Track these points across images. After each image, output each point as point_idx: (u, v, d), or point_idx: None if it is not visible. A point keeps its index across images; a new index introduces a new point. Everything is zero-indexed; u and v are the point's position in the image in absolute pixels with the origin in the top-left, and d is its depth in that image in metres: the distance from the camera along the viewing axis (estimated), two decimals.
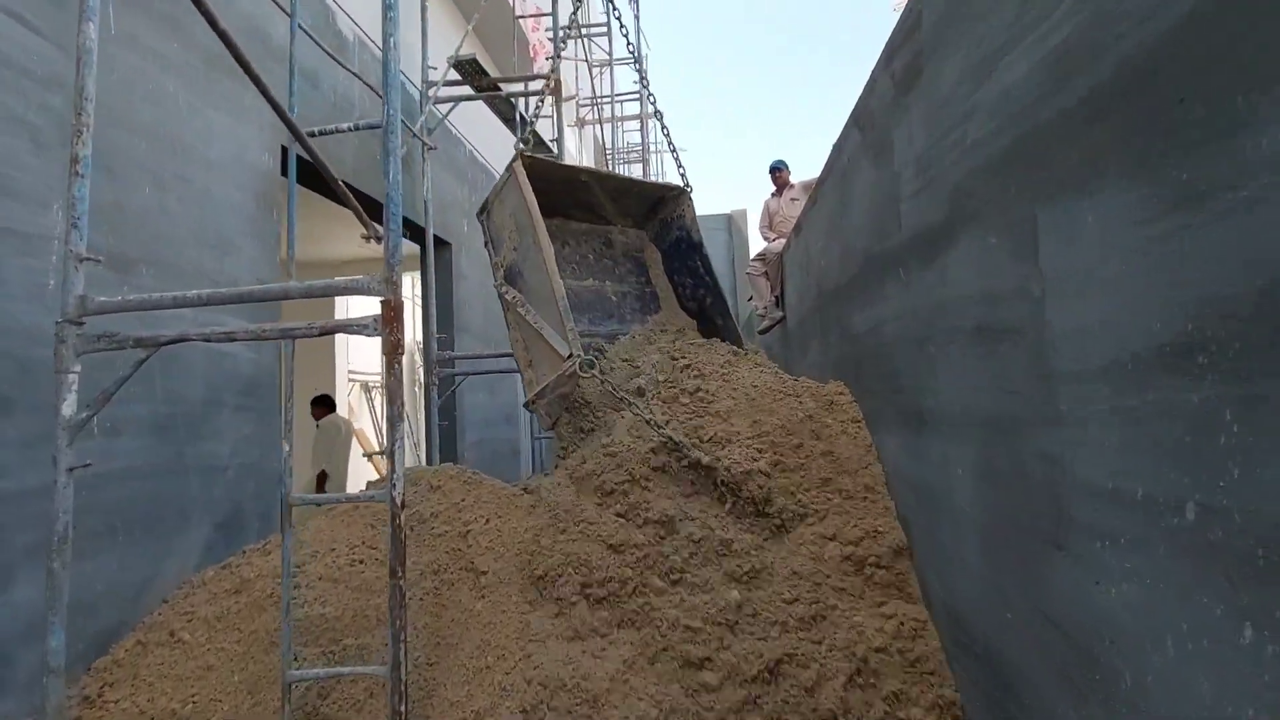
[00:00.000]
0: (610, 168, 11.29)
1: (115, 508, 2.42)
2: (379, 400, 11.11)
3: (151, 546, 2.55)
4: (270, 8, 3.44)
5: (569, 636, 2.11)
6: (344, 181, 2.33)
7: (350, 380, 10.89)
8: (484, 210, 3.65)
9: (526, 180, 3.21)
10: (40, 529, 2.06)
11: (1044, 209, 1.32)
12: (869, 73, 2.56)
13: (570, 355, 2.85)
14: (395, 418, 1.89)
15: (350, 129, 2.17)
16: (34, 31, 2.24)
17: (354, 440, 8.05)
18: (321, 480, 5.35)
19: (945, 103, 1.78)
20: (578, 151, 12.18)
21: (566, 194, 3.87)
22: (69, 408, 1.99)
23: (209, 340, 1.98)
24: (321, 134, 2.28)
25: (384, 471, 7.66)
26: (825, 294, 3.69)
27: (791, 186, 6.02)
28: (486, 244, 3.65)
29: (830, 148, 3.34)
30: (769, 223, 6.15)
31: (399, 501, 1.86)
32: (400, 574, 1.85)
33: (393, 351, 1.90)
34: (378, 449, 9.87)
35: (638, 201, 4.26)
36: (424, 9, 5.09)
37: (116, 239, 2.48)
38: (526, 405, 3.26)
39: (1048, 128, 1.29)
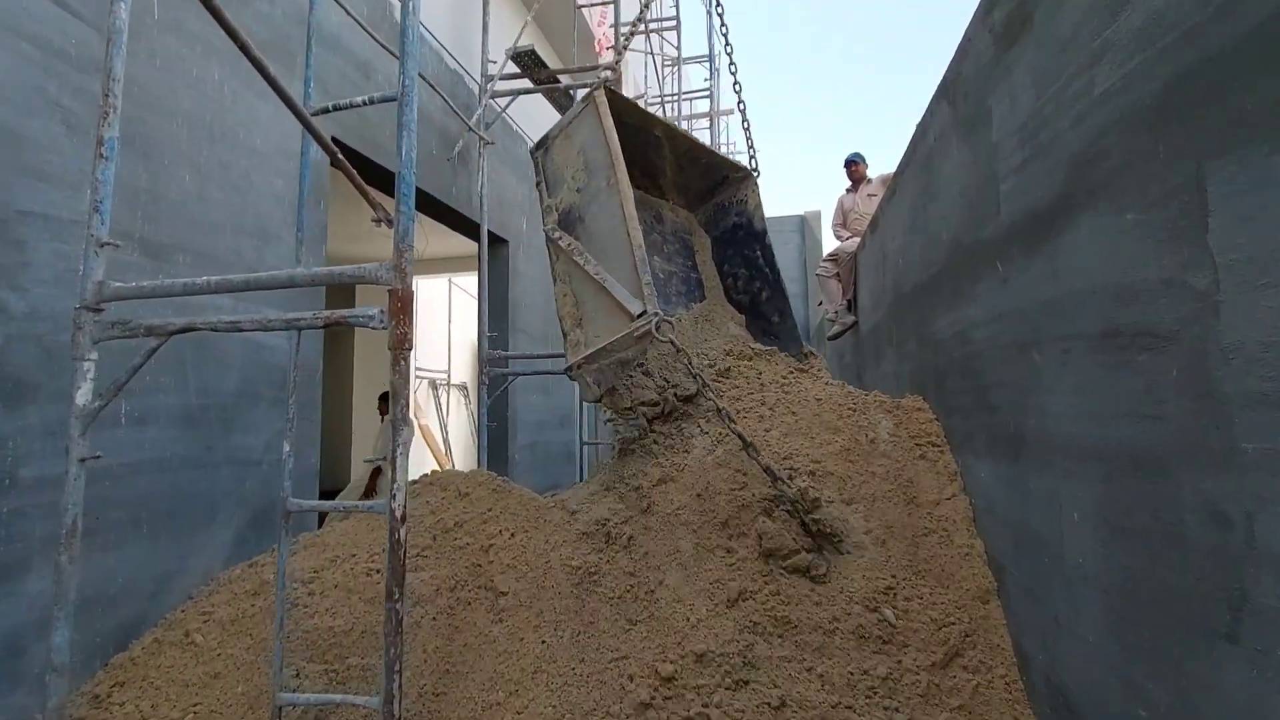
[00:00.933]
0: None
1: (141, 500, 2.36)
2: (446, 398, 11.31)
3: (177, 541, 2.49)
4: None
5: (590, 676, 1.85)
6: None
7: (418, 377, 11.13)
8: (542, 146, 3.20)
9: (609, 113, 2.76)
10: (59, 518, 2.00)
11: (1217, 169, 0.95)
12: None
13: (643, 313, 2.40)
14: (400, 420, 1.69)
15: (364, 102, 2.01)
16: (72, 14, 2.21)
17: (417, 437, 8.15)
18: (376, 475, 5.35)
19: (1064, 48, 1.41)
20: None
21: (630, 149, 3.22)
22: (83, 396, 1.91)
23: (215, 329, 1.86)
24: (335, 109, 2.14)
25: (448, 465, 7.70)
26: (902, 295, 3.28)
27: (869, 182, 5.56)
28: (539, 183, 3.20)
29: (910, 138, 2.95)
30: (843, 220, 5.72)
31: (399, 514, 1.66)
32: (398, 596, 1.65)
33: (399, 345, 1.71)
34: (443, 448, 10.00)
35: (702, 175, 3.92)
36: (484, 3, 5.00)
37: (152, 226, 2.44)
38: (568, 371, 2.75)
39: (1227, 55, 0.92)
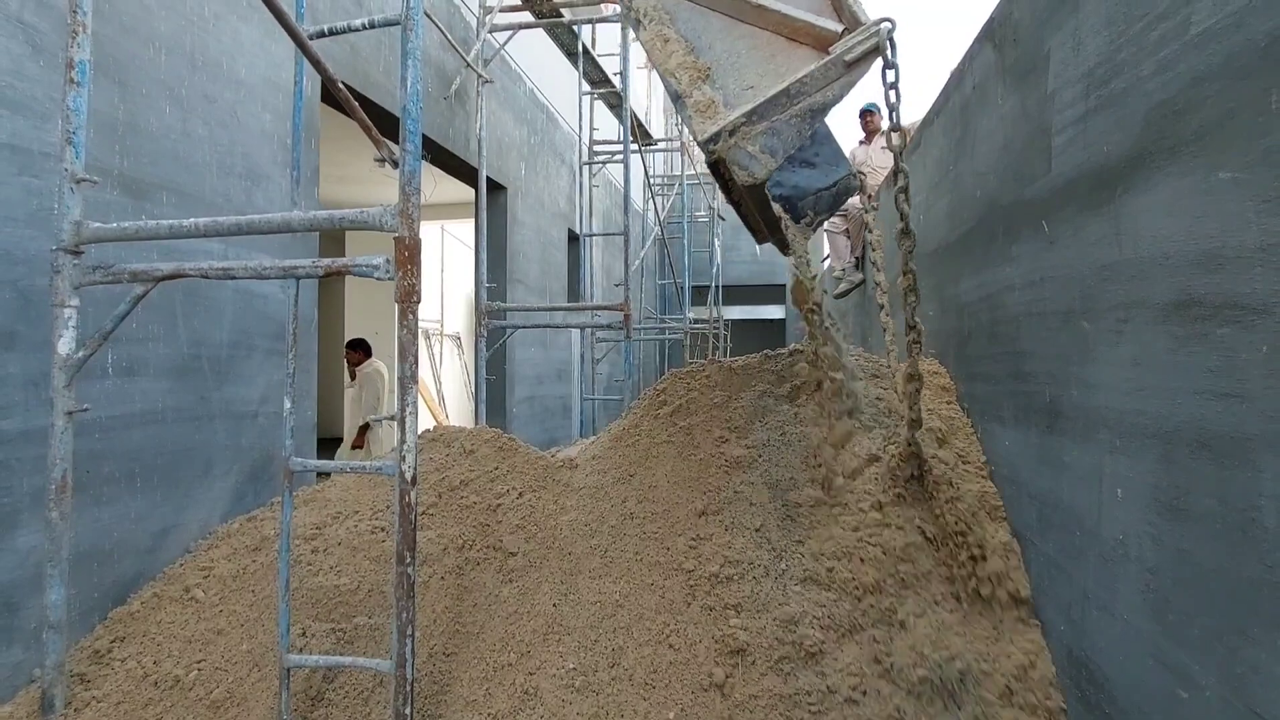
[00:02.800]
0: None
1: (133, 454, 2.27)
2: (439, 348, 11.16)
3: (172, 494, 2.41)
4: None
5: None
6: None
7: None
8: None
9: None
10: (47, 472, 1.91)
11: None
12: None
13: (847, 31, 1.77)
14: (407, 378, 1.59)
15: (363, 26, 1.83)
16: None
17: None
18: (364, 432, 5.26)
19: None
20: (647, 96, 11.55)
21: None
22: (65, 345, 1.79)
23: (206, 277, 1.73)
24: (331, 33, 1.94)
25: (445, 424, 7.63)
26: (922, 256, 3.16)
27: (882, 134, 5.35)
28: None
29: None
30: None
31: (409, 477, 1.58)
32: (409, 560, 1.58)
33: (407, 298, 1.59)
34: (436, 400, 9.91)
35: None
36: None
37: (130, 162, 2.26)
38: (709, 144, 1.83)
39: None
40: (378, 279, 1.57)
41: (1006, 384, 2.05)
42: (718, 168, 2.54)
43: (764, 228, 2.77)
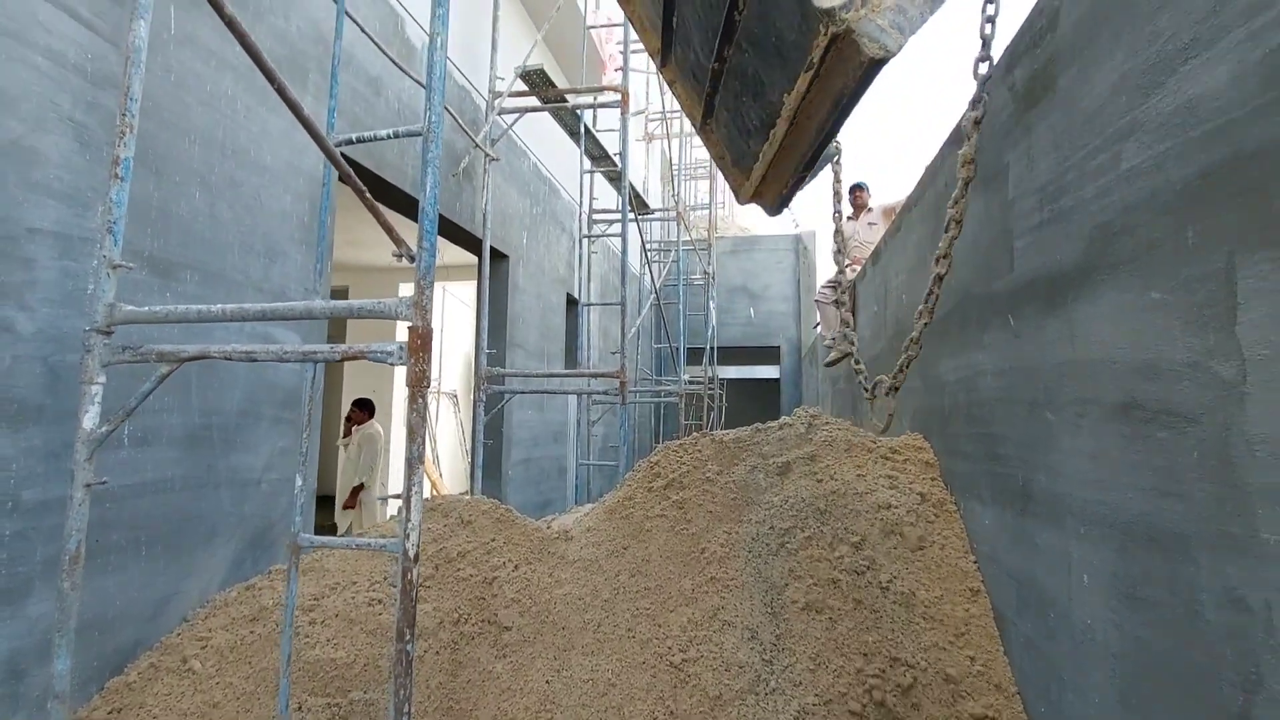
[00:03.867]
0: (677, 184, 11.10)
1: (140, 522, 2.32)
2: (435, 406, 11.22)
3: (175, 563, 2.45)
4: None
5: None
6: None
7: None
8: None
9: None
10: (61, 542, 1.96)
11: (1250, 260, 0.98)
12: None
13: None
14: (414, 459, 1.68)
15: (389, 136, 2.01)
16: (87, 27, 2.19)
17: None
18: (357, 493, 5.29)
19: (1090, 119, 1.44)
20: (645, 166, 12.05)
21: None
22: (90, 420, 1.88)
23: (230, 359, 1.84)
24: (359, 141, 2.13)
25: (443, 489, 7.61)
26: (905, 333, 3.31)
27: (870, 210, 5.63)
28: None
29: (923, 172, 2.99)
30: (842, 247, 5.77)
31: (412, 554, 1.65)
32: (409, 637, 1.63)
33: (417, 383, 1.70)
34: (431, 458, 9.89)
35: None
36: (495, 18, 5.02)
37: (161, 244, 2.42)
38: (838, 13, 1.49)
39: (1264, 152, 0.95)
40: (391, 364, 1.68)
41: (984, 464, 2.15)
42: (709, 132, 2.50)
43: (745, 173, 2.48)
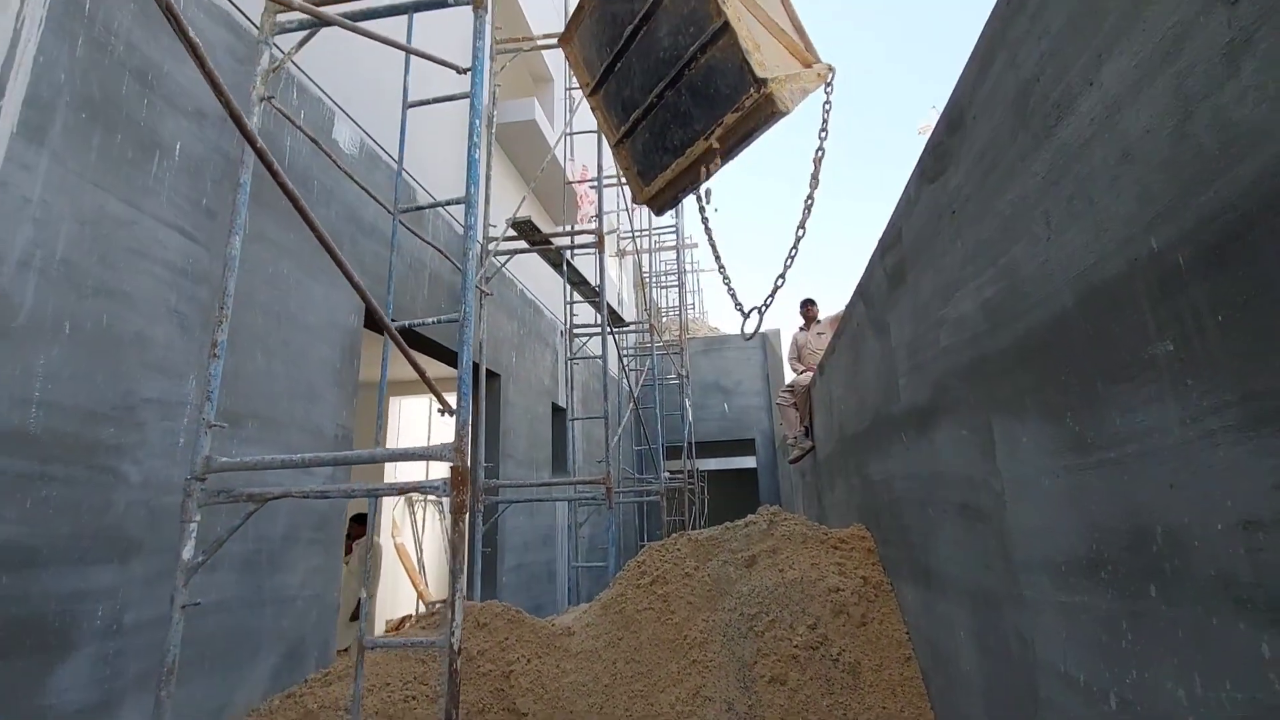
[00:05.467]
0: (648, 293, 12.07)
1: (204, 639, 2.72)
2: (423, 513, 11.40)
3: (229, 675, 2.82)
4: (365, 196, 4.15)
5: None
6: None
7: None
8: None
9: None
10: (149, 659, 2.38)
11: (997, 420, 1.61)
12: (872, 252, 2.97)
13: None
14: (457, 570, 2.19)
15: (434, 322, 2.64)
16: (190, 239, 2.85)
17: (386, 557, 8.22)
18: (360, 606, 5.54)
19: (924, 308, 2.14)
20: (618, 278, 13.05)
21: None
22: (188, 552, 2.35)
23: (307, 496, 2.35)
24: (413, 327, 2.77)
25: (429, 598, 7.78)
26: (846, 437, 3.94)
27: (819, 322, 6.43)
28: None
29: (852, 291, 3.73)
30: (798, 354, 6.52)
31: (456, 648, 2.11)
32: (455, 718, 2.07)
33: (459, 511, 2.24)
34: (419, 568, 9.99)
35: None
36: (488, 178, 5.91)
37: (231, 400, 2.97)
38: (762, 85, 2.40)
39: (991, 358, 1.61)
40: (439, 497, 2.22)
41: (903, 550, 2.70)
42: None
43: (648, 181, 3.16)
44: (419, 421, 11.26)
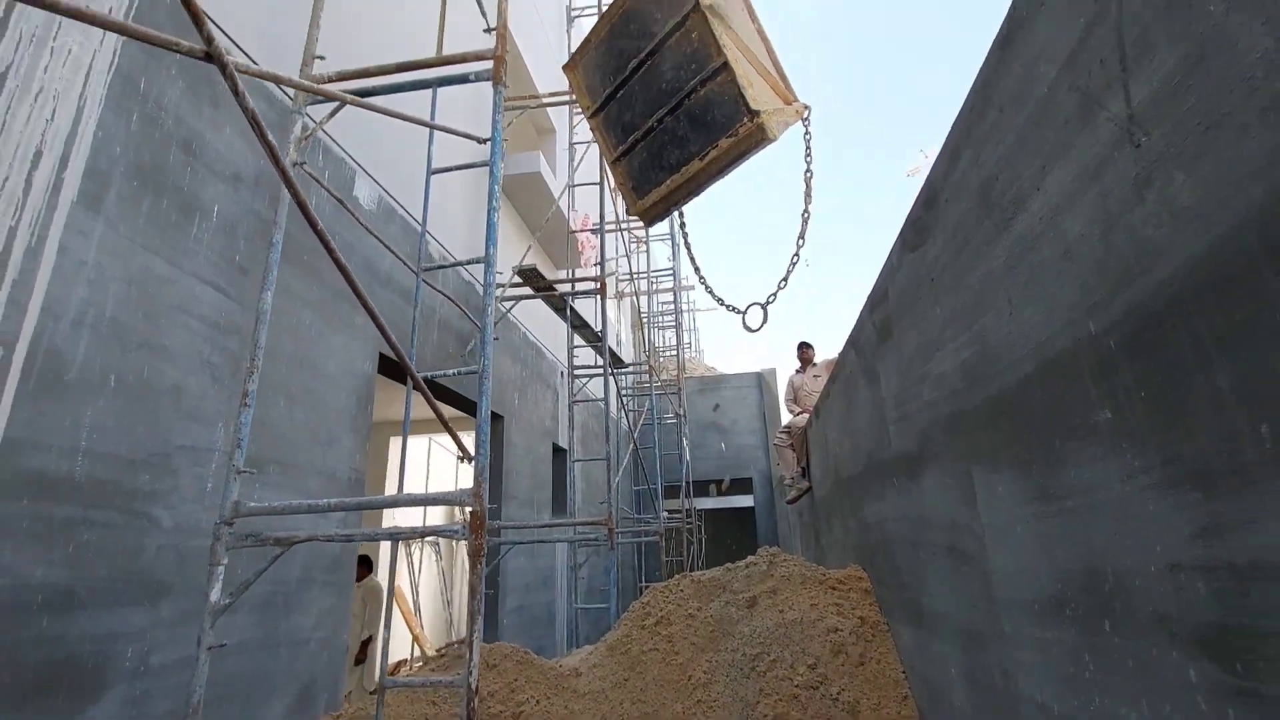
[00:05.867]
0: (647, 334, 12.32)
1: (224, 680, 2.80)
2: (419, 554, 11.35)
3: (244, 716, 2.88)
4: (382, 249, 4.37)
5: None
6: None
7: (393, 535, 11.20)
8: None
9: None
10: (175, 699, 2.46)
11: (976, 470, 1.78)
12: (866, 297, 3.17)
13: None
14: (475, 611, 2.30)
15: (455, 374, 2.81)
16: (223, 294, 3.03)
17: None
18: (366, 647, 5.57)
19: (909, 363, 2.32)
20: (617, 319, 13.30)
21: None
22: (215, 595, 2.47)
23: (331, 540, 2.48)
24: (433, 379, 2.94)
25: (425, 642, 7.75)
26: (842, 480, 4.09)
27: (815, 365, 6.62)
28: None
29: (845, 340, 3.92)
30: (794, 396, 6.69)
31: (474, 687, 2.22)
32: None
33: (476, 554, 2.36)
34: (415, 613, 9.91)
35: None
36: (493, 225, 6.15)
37: (256, 446, 3.10)
38: (754, 114, 2.88)
39: (969, 414, 1.79)
40: (459, 540, 2.35)
41: (898, 591, 2.82)
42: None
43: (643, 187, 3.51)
44: (418, 460, 11.34)
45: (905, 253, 2.24)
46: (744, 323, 3.62)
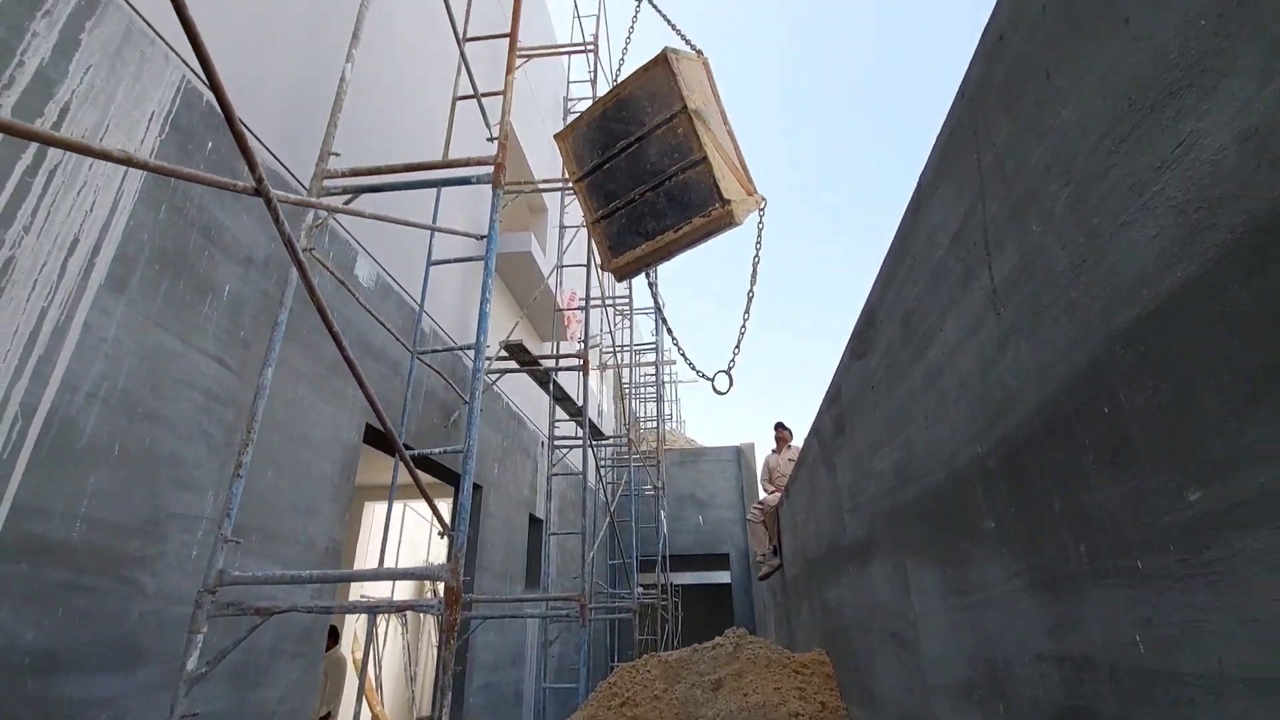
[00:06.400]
0: (629, 404, 12.54)
1: None
2: (385, 626, 11.00)
3: None
4: (375, 324, 4.60)
5: None
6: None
7: (371, 608, 10.90)
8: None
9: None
10: None
11: (909, 562, 1.98)
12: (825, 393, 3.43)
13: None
14: (446, 686, 2.39)
15: (441, 452, 2.98)
16: (224, 366, 3.22)
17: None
18: None
19: (859, 457, 2.55)
20: (599, 390, 13.53)
21: None
22: (193, 663, 2.53)
23: (311, 611, 2.58)
24: (426, 455, 3.11)
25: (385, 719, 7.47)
26: (808, 562, 4.24)
27: (790, 446, 6.85)
28: None
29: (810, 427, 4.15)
30: (769, 476, 6.88)
31: None
32: None
33: (450, 630, 2.48)
34: (376, 688, 9.55)
35: None
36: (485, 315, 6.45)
37: (240, 514, 3.21)
38: (725, 200, 3.50)
39: (901, 509, 2.01)
40: (435, 614, 2.46)
41: (854, 674, 2.95)
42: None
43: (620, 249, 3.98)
44: (390, 524, 11.18)
45: (853, 359, 2.52)
46: (713, 388, 3.96)
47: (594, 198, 4.04)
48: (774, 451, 7.07)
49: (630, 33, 5.13)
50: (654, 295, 5.63)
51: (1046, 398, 1.08)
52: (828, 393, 3.16)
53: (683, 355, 4.49)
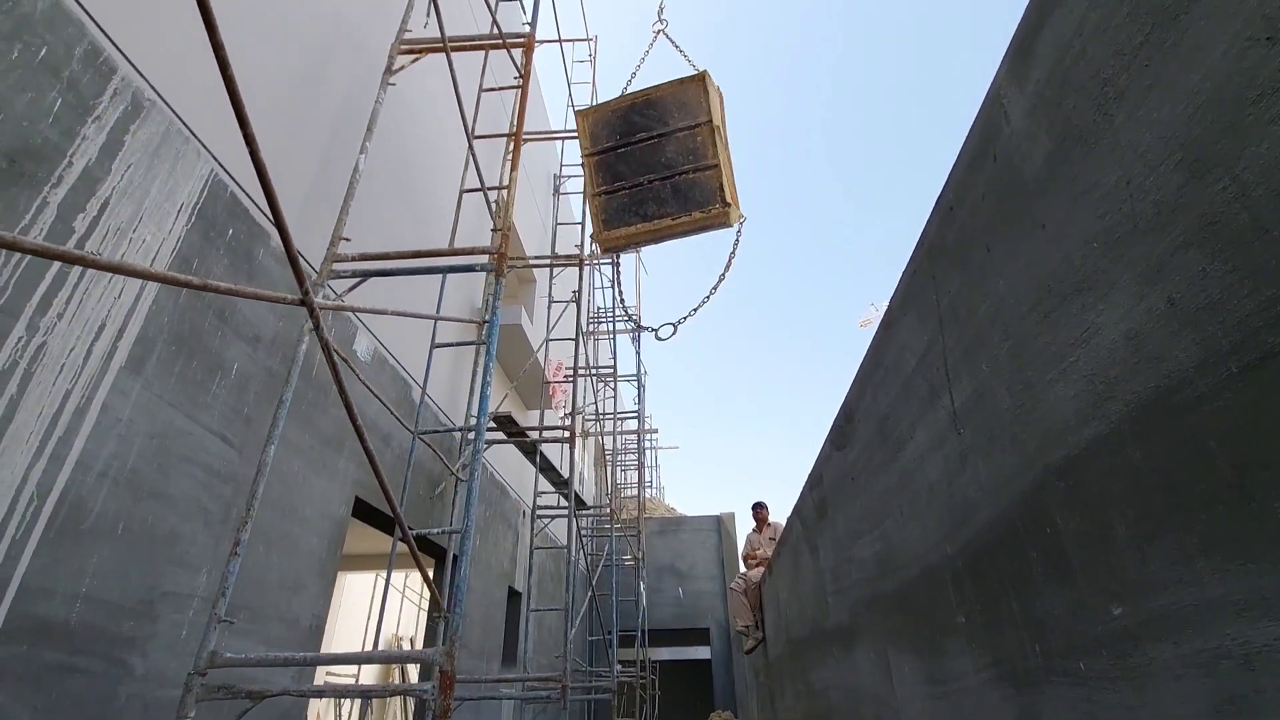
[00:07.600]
0: (610, 470, 12.53)
1: None
2: (351, 708, 10.46)
3: None
4: (369, 395, 4.71)
5: None
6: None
7: (328, 679, 10.43)
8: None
9: None
10: None
11: (890, 649, 2.11)
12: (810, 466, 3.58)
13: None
14: None
15: (440, 532, 3.06)
16: (228, 443, 3.30)
17: None
18: None
19: (841, 543, 2.70)
20: (581, 457, 13.53)
21: None
22: None
23: (304, 695, 2.58)
24: (423, 534, 3.18)
25: None
26: (792, 640, 4.28)
27: (770, 525, 6.95)
28: None
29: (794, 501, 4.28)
30: (750, 553, 6.94)
31: None
32: None
33: (444, 715, 2.50)
34: None
35: None
36: (474, 374, 6.60)
37: (231, 596, 3.21)
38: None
39: (882, 598, 2.15)
40: (429, 700, 2.49)
41: None
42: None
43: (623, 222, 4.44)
44: (364, 596, 10.83)
45: (834, 449, 2.71)
46: (655, 335, 4.67)
47: (600, 174, 4.54)
48: (755, 530, 7.16)
49: (639, 64, 5.82)
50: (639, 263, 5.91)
51: (1000, 513, 1.27)
52: (809, 477, 3.33)
53: (624, 309, 5.31)
